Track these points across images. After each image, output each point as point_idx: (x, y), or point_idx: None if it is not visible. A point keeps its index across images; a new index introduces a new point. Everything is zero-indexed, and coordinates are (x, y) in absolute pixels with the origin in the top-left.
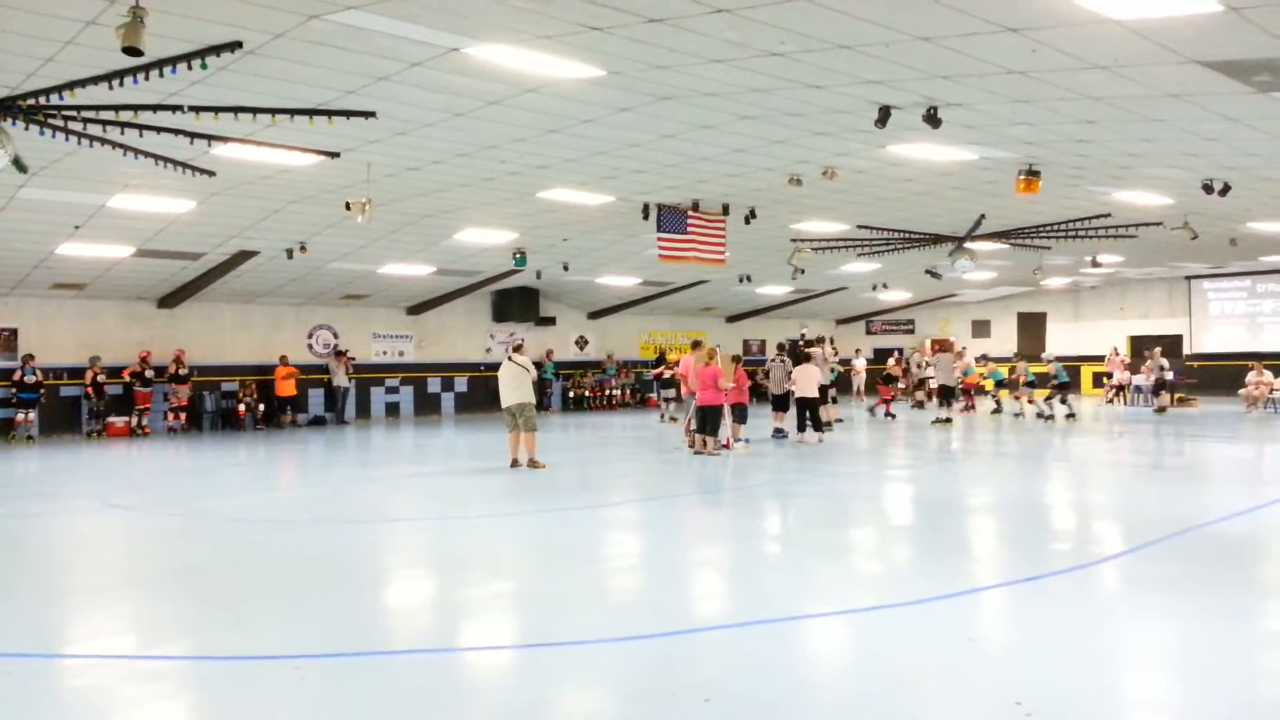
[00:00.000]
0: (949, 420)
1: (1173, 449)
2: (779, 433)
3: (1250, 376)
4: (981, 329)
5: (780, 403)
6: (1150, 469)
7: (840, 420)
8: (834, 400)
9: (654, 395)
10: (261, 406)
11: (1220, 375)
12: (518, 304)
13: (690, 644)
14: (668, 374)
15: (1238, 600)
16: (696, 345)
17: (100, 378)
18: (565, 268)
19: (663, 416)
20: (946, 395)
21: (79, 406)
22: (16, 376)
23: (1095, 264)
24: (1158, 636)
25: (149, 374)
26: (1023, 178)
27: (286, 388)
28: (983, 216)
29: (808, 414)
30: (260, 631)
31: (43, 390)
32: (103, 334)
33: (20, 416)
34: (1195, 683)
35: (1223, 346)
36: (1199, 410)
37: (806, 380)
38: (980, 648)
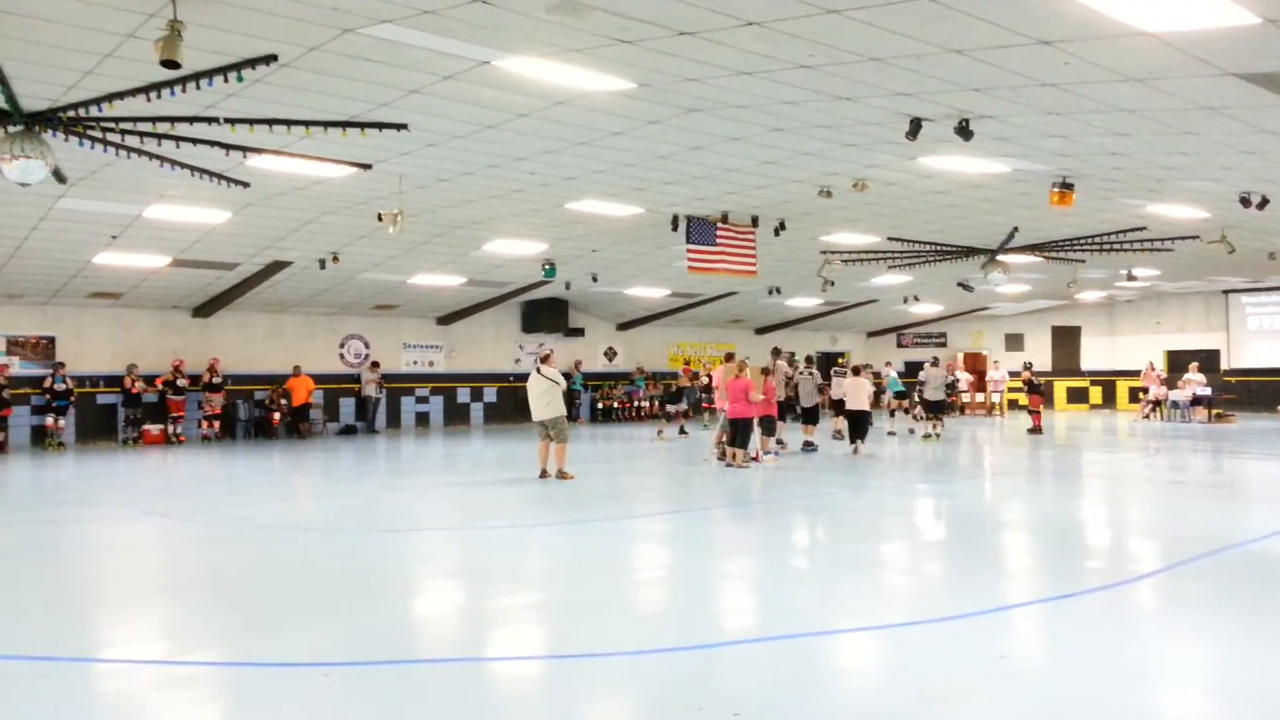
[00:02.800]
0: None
1: (1210, 466)
2: (808, 445)
3: None
4: (1015, 342)
5: (810, 415)
6: (1186, 486)
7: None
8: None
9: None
10: (291, 415)
11: (1259, 391)
12: (547, 315)
13: (719, 658)
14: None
15: (1276, 621)
16: (729, 358)
17: (138, 385)
18: (594, 279)
19: (677, 429)
20: (934, 410)
21: (114, 414)
22: (47, 384)
23: (1130, 278)
24: (1193, 656)
25: (181, 382)
26: (1056, 190)
27: (300, 397)
28: (1015, 229)
29: (854, 426)
30: (291, 639)
31: (73, 398)
32: (138, 343)
33: (50, 422)
34: (1231, 704)
35: (1261, 362)
36: (1237, 426)
37: (857, 393)
38: (1012, 665)
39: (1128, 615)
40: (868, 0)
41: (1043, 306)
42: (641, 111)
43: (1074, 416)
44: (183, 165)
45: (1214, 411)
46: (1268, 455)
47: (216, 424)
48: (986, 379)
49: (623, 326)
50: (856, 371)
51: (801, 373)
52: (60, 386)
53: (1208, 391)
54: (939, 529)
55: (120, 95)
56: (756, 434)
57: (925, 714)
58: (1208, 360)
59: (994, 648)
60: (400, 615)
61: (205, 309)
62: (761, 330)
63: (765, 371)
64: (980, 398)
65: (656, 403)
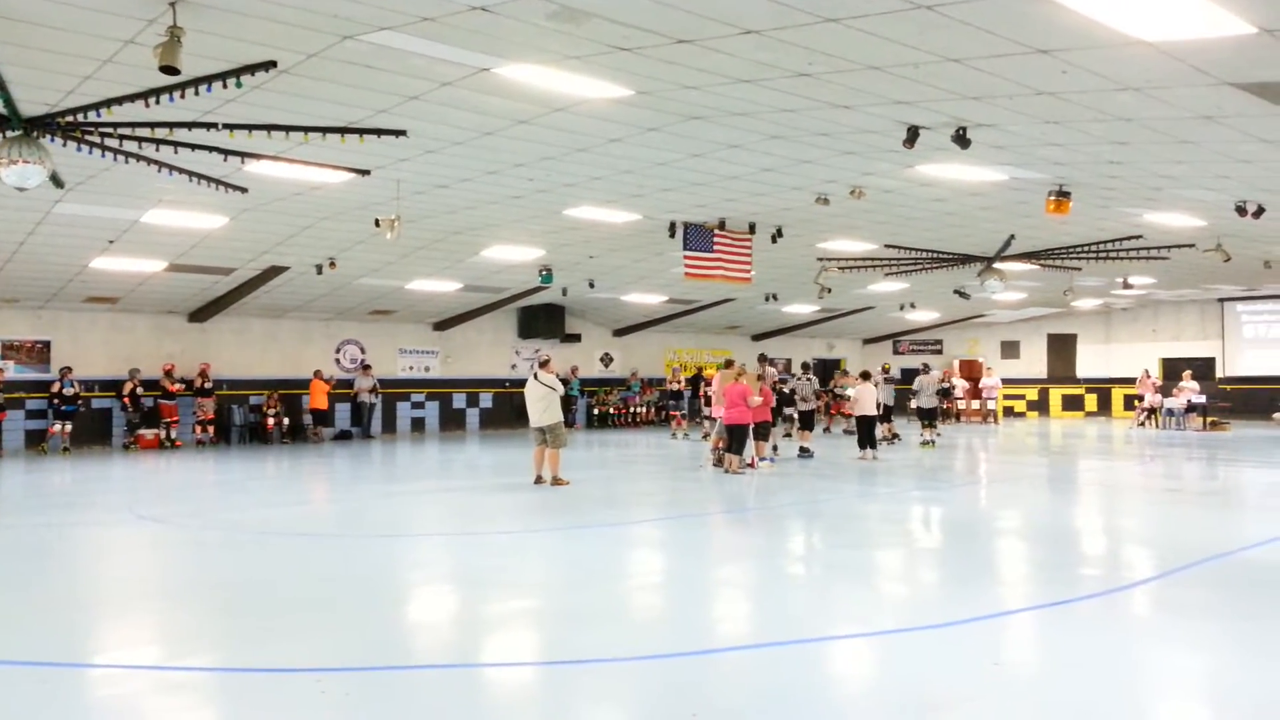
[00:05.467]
0: (931, 442)
1: (1204, 473)
2: (804, 451)
3: None
4: (1011, 350)
5: (806, 421)
6: (1180, 494)
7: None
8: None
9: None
10: (286, 420)
11: (1253, 399)
12: (543, 321)
13: (713, 664)
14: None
15: (1270, 628)
16: (729, 364)
17: (138, 390)
18: (591, 285)
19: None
20: (927, 416)
21: (110, 418)
22: (56, 388)
23: (1126, 285)
24: (1189, 664)
25: (175, 387)
26: (1053, 199)
27: (320, 401)
28: (1012, 237)
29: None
30: (284, 645)
31: (80, 402)
32: (134, 347)
33: (56, 428)
34: (1226, 711)
35: (1256, 370)
36: (1231, 434)
37: (866, 399)
38: (1008, 672)
39: (1122, 622)
40: (866, 9)
41: (1039, 314)
42: (640, 119)
43: (1069, 424)
44: (181, 170)
45: (1209, 419)
46: (1262, 463)
47: (211, 429)
48: (980, 385)
49: (619, 332)
50: (866, 376)
51: (799, 378)
52: (69, 391)
53: (1202, 399)
54: (934, 535)
55: (119, 100)
56: (751, 440)
57: None
58: (1203, 368)
59: (989, 654)
60: (394, 621)
61: (201, 314)
62: (758, 336)
63: (760, 378)
64: (976, 405)
65: (653, 408)
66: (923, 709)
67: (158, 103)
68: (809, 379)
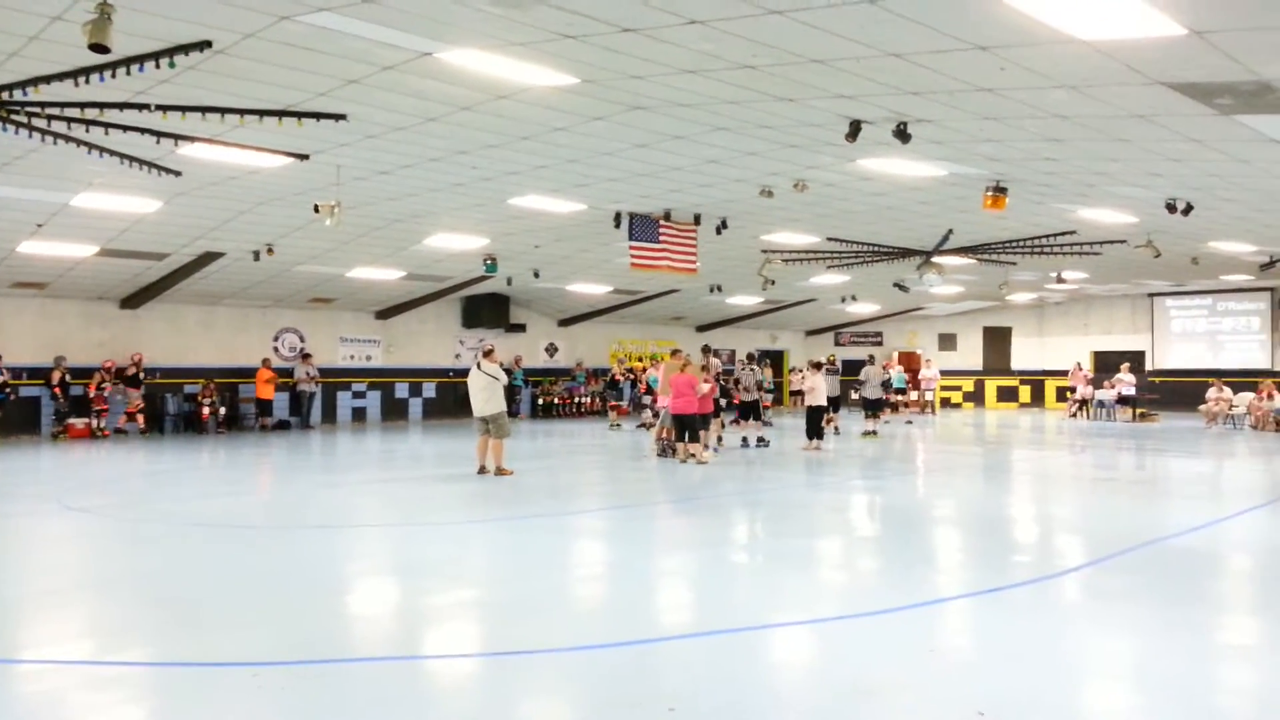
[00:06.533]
0: (874, 432)
1: (1133, 463)
2: (747, 442)
3: (1210, 393)
4: (948, 342)
5: (749, 410)
6: (1110, 483)
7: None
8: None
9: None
10: (223, 410)
11: (1181, 391)
12: (488, 310)
13: (655, 653)
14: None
15: (1195, 613)
16: (675, 354)
17: (66, 378)
18: (536, 275)
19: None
20: (873, 407)
21: (38, 407)
22: None
23: (1060, 280)
24: (1117, 648)
25: (105, 389)
26: (990, 194)
27: (266, 391)
28: (950, 231)
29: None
30: (219, 638)
31: (9, 390)
32: (64, 334)
33: None
34: (1153, 694)
35: (1184, 363)
36: (1160, 425)
37: (818, 389)
38: (943, 658)
39: (1054, 608)
40: (810, 2)
41: (975, 308)
42: (585, 107)
43: (1004, 415)
44: (111, 152)
45: (1138, 411)
46: (1187, 453)
47: (141, 418)
48: (920, 377)
49: (564, 322)
50: (817, 367)
51: (743, 368)
52: None
53: (1133, 391)
54: (873, 524)
55: (47, 79)
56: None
57: (858, 706)
58: (1133, 361)
59: (925, 640)
60: (333, 613)
61: (133, 300)
62: (702, 328)
63: (704, 369)
64: (914, 395)
65: (598, 398)
66: (860, 694)
67: (87, 82)
68: (752, 369)
